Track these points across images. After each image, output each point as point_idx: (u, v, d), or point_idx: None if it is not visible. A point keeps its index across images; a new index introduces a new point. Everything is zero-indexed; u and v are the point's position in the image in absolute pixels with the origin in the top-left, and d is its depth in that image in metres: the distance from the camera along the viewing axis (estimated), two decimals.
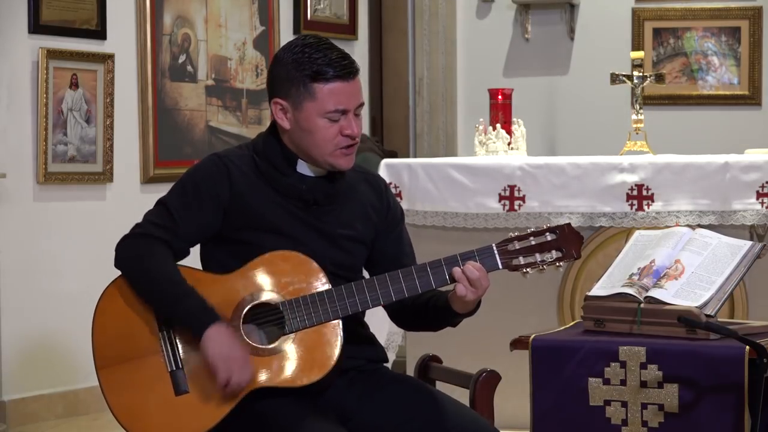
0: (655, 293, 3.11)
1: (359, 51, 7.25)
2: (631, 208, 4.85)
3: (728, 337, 2.97)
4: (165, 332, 2.88)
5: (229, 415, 2.82)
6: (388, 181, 4.65)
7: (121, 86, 5.96)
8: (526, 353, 3.15)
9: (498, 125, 5.38)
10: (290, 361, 2.84)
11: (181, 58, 6.29)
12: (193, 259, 2.99)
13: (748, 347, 2.95)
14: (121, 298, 2.91)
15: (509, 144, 5.35)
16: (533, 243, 2.90)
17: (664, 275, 3.14)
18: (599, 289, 3.21)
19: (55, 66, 5.67)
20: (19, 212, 5.61)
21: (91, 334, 2.92)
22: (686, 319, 3.01)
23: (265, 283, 2.88)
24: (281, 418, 2.81)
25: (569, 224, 2.93)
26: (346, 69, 2.92)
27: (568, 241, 2.90)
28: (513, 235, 2.91)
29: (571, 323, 3.50)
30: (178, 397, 2.84)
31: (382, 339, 4.68)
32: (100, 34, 5.89)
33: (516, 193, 4.94)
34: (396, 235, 3.10)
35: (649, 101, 6.64)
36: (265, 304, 2.88)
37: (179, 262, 2.94)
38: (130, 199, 5.92)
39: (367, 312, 2.98)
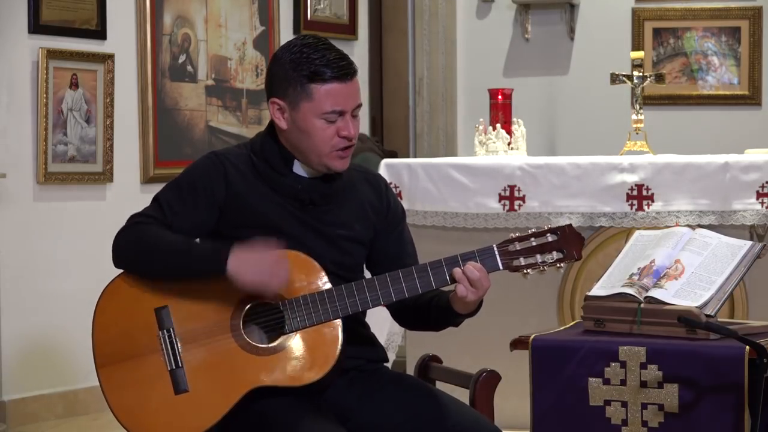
0: (655, 293, 3.11)
1: (359, 51, 7.25)
2: (631, 208, 4.85)
3: (728, 337, 2.97)
4: (165, 331, 2.88)
5: (229, 414, 2.82)
6: (388, 181, 4.65)
7: (121, 86, 5.96)
8: (526, 353, 3.15)
9: (498, 125, 5.38)
10: (290, 360, 2.84)
11: (181, 58, 6.29)
12: None
13: (748, 347, 2.95)
14: (121, 297, 2.91)
15: (509, 144, 5.35)
16: (534, 244, 2.90)
17: (664, 275, 3.14)
18: (599, 289, 3.21)
19: (55, 66, 5.67)
20: (19, 212, 5.61)
21: (91, 333, 2.92)
22: (686, 319, 3.01)
23: None
24: (281, 418, 2.81)
25: (570, 225, 2.93)
26: (344, 70, 2.92)
27: (569, 242, 2.90)
28: (514, 235, 2.91)
29: (571, 323, 3.50)
30: (177, 396, 2.84)
31: (382, 339, 4.68)
32: (100, 34, 5.89)
33: (516, 193, 4.94)
34: (397, 235, 3.10)
35: (649, 101, 6.64)
36: (266, 304, 2.88)
37: None
38: (130, 199, 5.92)
39: (368, 312, 2.98)
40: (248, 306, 2.88)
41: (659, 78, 5.48)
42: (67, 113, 5.74)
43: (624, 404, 3.06)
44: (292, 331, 2.85)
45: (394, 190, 4.50)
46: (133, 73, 6.07)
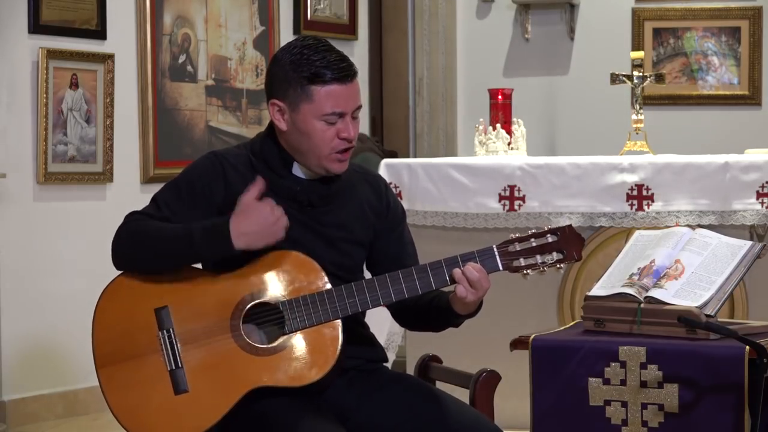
0: (655, 293, 3.11)
1: (359, 51, 7.25)
2: (631, 208, 4.85)
3: (728, 337, 2.98)
4: (165, 331, 2.88)
5: (229, 415, 2.82)
6: (388, 181, 4.65)
7: (121, 86, 5.96)
8: (526, 353, 3.15)
9: (498, 125, 5.38)
10: (290, 360, 2.84)
11: (181, 58, 6.29)
12: None
13: (748, 347, 2.95)
14: (121, 297, 2.91)
15: (509, 144, 5.35)
16: (534, 244, 2.90)
17: (664, 275, 3.14)
18: (599, 289, 3.21)
19: (55, 66, 5.67)
20: (19, 212, 5.61)
21: (91, 333, 2.92)
22: (686, 319, 3.01)
23: (265, 283, 2.89)
24: (281, 418, 2.81)
25: (570, 226, 2.93)
26: (344, 71, 2.92)
27: (569, 243, 2.90)
28: (514, 236, 2.91)
29: (571, 323, 3.50)
30: (177, 396, 2.84)
31: (382, 339, 4.68)
32: (100, 34, 5.89)
33: (516, 193, 4.94)
34: (397, 235, 3.10)
35: (649, 101, 6.64)
36: (265, 304, 2.88)
37: None
38: (130, 199, 5.91)
39: (368, 312, 2.98)
40: (248, 306, 2.87)
41: (659, 78, 5.48)
42: (67, 113, 5.74)
43: (624, 404, 3.06)
44: (292, 332, 2.85)
45: (394, 190, 4.51)
46: (133, 73, 6.07)
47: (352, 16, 7.29)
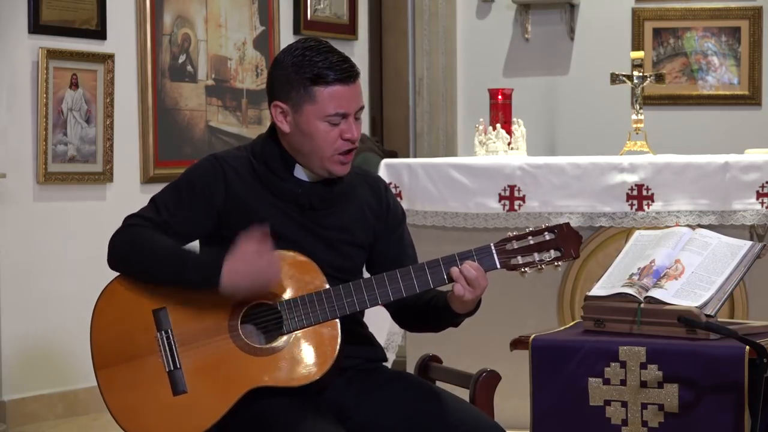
0: (655, 293, 3.11)
1: (359, 51, 7.25)
2: (631, 208, 4.85)
3: (728, 337, 2.97)
4: (163, 332, 2.88)
5: (228, 415, 2.82)
6: (388, 181, 4.65)
7: (121, 86, 5.96)
8: (526, 353, 3.15)
9: (498, 125, 5.38)
10: (289, 360, 2.84)
11: (181, 58, 6.29)
12: None
13: (748, 347, 2.95)
14: (119, 298, 2.91)
15: (509, 144, 5.35)
16: (531, 242, 2.90)
17: (664, 275, 3.14)
18: (599, 289, 3.21)
19: (55, 66, 5.67)
20: (19, 212, 5.61)
21: (90, 334, 2.92)
22: (686, 319, 3.01)
23: None
24: (280, 418, 2.81)
25: (568, 224, 2.93)
26: (347, 72, 2.92)
27: (567, 241, 2.90)
28: (511, 234, 2.91)
29: (571, 323, 3.50)
30: (176, 397, 2.84)
31: (382, 339, 4.68)
32: (100, 34, 5.89)
33: (516, 193, 4.94)
34: (397, 237, 3.10)
35: (649, 101, 6.64)
36: (263, 304, 2.88)
37: None
38: (130, 199, 5.91)
39: (367, 312, 2.98)
40: (246, 307, 2.87)
41: (659, 78, 5.48)
42: (67, 113, 5.74)
43: (624, 404, 3.06)
44: (290, 332, 2.85)
45: (393, 190, 4.52)
46: (133, 73, 6.07)
47: (352, 16, 7.29)
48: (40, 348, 5.67)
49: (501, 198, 4.95)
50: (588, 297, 3.23)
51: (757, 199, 4.79)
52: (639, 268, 3.19)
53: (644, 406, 3.04)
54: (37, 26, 5.64)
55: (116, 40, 5.96)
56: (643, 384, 3.03)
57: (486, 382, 3.08)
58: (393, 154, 6.65)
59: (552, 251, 2.90)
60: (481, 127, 5.39)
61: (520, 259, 2.89)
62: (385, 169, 5.10)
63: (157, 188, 3.03)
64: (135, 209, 3.00)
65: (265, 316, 2.88)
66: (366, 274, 3.06)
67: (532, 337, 3.16)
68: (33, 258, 5.65)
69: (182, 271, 2.83)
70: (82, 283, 5.60)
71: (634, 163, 4.88)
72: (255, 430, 2.84)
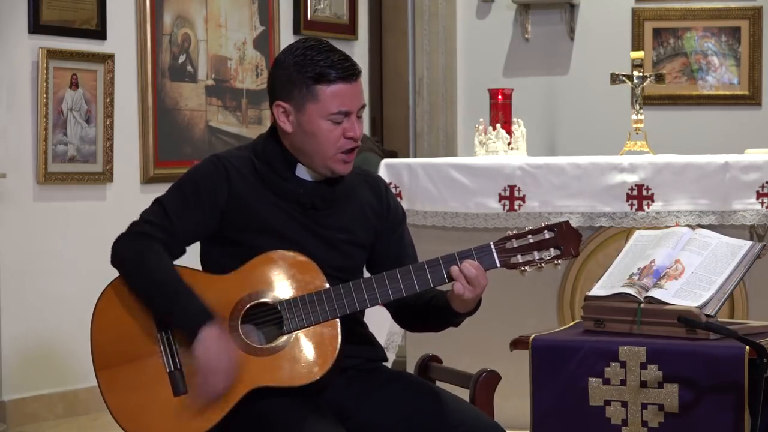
0: (655, 293, 3.11)
1: (359, 51, 7.25)
2: (631, 208, 4.85)
3: (728, 337, 2.97)
4: (164, 333, 2.88)
5: (228, 416, 2.82)
6: (388, 181, 4.65)
7: (121, 86, 5.96)
8: (526, 353, 3.15)
9: (498, 125, 5.38)
10: (289, 360, 2.84)
11: (181, 58, 6.29)
12: (192, 259, 2.99)
13: (748, 347, 2.95)
14: (120, 298, 2.91)
15: (509, 144, 5.35)
16: (531, 241, 2.89)
17: (664, 275, 3.14)
18: (599, 289, 3.21)
19: (55, 66, 5.67)
20: (19, 212, 5.61)
21: (90, 334, 2.92)
22: (686, 319, 3.01)
23: (263, 283, 2.88)
24: (280, 418, 2.81)
25: (567, 222, 2.92)
26: (349, 71, 2.92)
27: (567, 239, 2.90)
28: (511, 233, 2.91)
29: (571, 323, 3.50)
30: (176, 398, 2.84)
31: (382, 339, 4.68)
32: (100, 34, 5.89)
33: (516, 193, 4.94)
34: (398, 237, 3.10)
35: (649, 101, 6.64)
36: (264, 304, 2.88)
37: (177, 261, 2.94)
38: (130, 199, 5.92)
39: (367, 312, 2.98)
40: (246, 307, 2.87)
41: (659, 78, 5.47)
42: (67, 113, 5.74)
43: (624, 404, 3.06)
44: (291, 332, 2.85)
45: (394, 190, 4.52)
46: (133, 73, 6.07)
47: (352, 16, 7.29)
48: (40, 348, 5.67)
49: (501, 198, 4.95)
50: (588, 297, 3.23)
51: (757, 199, 4.79)
52: (639, 268, 3.19)
53: (644, 406, 3.04)
54: (37, 26, 5.64)
55: (116, 40, 5.96)
56: (643, 384, 3.03)
57: (486, 382, 3.08)
58: (393, 154, 6.65)
59: (552, 249, 2.90)
60: (481, 127, 5.39)
61: (519, 258, 2.89)
62: (385, 169, 5.11)
63: (157, 188, 3.03)
64: (135, 209, 3.00)
65: (265, 316, 2.88)
66: (366, 274, 3.06)
67: (532, 337, 3.16)
68: (33, 258, 5.65)
69: (169, 305, 2.84)
70: (82, 283, 5.60)
71: (634, 163, 4.88)
72: (256, 430, 2.84)
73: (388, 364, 3.42)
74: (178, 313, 2.83)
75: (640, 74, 5.39)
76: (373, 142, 6.87)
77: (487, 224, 4.97)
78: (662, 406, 3.02)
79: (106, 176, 5.91)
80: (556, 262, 2.90)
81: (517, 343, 3.21)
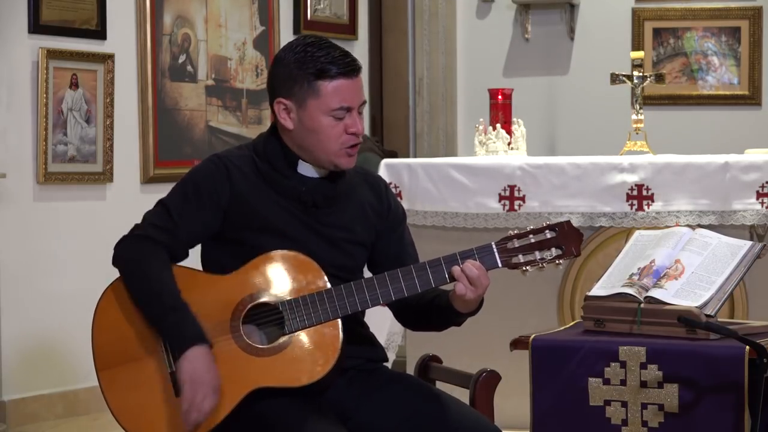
0: (655, 293, 3.11)
1: (359, 51, 7.25)
2: (631, 208, 4.85)
3: (728, 337, 2.97)
4: None
5: (230, 416, 2.82)
6: (388, 181, 4.65)
7: (121, 86, 5.96)
8: (526, 353, 3.15)
9: (498, 125, 5.38)
10: (290, 361, 2.84)
11: (181, 58, 6.29)
12: (193, 259, 2.99)
13: (748, 347, 2.95)
14: (121, 298, 2.90)
15: (509, 144, 5.35)
16: (533, 241, 2.89)
17: (664, 275, 3.14)
18: (599, 289, 3.21)
19: (55, 66, 5.67)
20: (19, 212, 5.61)
21: (91, 334, 2.92)
22: (686, 319, 3.01)
23: (264, 283, 2.88)
24: (281, 418, 2.81)
25: (569, 222, 2.92)
26: (350, 66, 2.93)
27: (568, 239, 2.90)
28: (512, 233, 2.90)
29: (571, 323, 3.50)
30: (178, 398, 2.83)
31: (382, 339, 4.68)
32: (100, 34, 5.89)
33: (516, 193, 4.94)
34: (398, 236, 3.10)
35: (649, 101, 6.64)
36: (265, 305, 2.88)
37: (180, 263, 2.94)
38: (130, 199, 5.92)
39: (368, 312, 2.98)
40: (248, 307, 2.87)
41: (659, 78, 5.47)
42: (67, 113, 5.74)
43: (624, 404, 3.06)
44: (292, 332, 2.85)
45: (394, 190, 4.51)
46: (133, 73, 6.07)
47: (352, 16, 7.29)
48: (40, 348, 5.67)
49: (501, 198, 4.95)
50: (588, 297, 3.23)
51: (757, 199, 4.79)
52: (639, 268, 3.19)
53: (644, 406, 3.04)
54: (37, 26, 5.63)
55: (116, 40, 5.96)
56: (643, 384, 3.03)
57: (486, 382, 3.07)
58: (393, 154, 6.65)
59: (553, 249, 2.90)
60: (481, 127, 5.39)
61: (521, 258, 2.89)
62: (385, 169, 5.11)
63: (157, 188, 3.03)
64: (135, 209, 3.00)
65: (266, 316, 2.88)
66: (367, 273, 3.06)
67: (532, 337, 3.16)
68: (33, 258, 5.65)
69: (164, 318, 2.83)
70: (82, 283, 5.60)
71: (634, 163, 4.88)
72: (257, 430, 2.84)
73: (388, 364, 3.42)
74: (168, 328, 2.83)
75: (640, 74, 5.39)
76: (373, 142, 6.87)
77: (487, 224, 4.97)
78: (662, 406, 3.02)
79: (106, 176, 5.91)
80: (557, 262, 2.90)
81: (517, 343, 3.21)
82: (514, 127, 5.38)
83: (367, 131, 7.24)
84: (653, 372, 3.02)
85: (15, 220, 5.59)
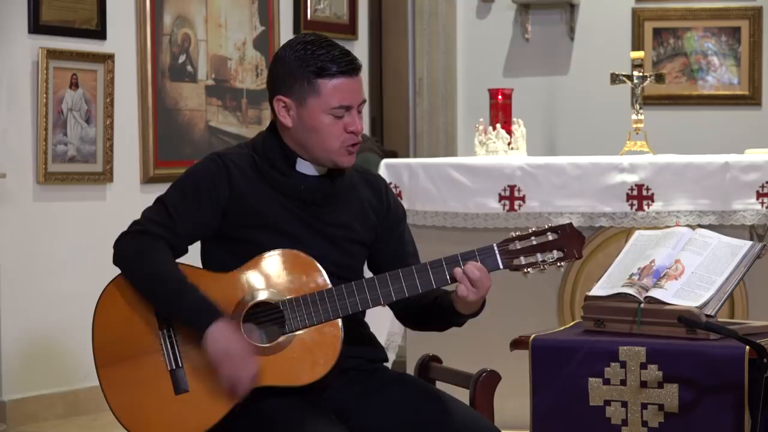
0: (655, 293, 3.11)
1: (359, 51, 7.25)
2: (631, 208, 4.85)
3: (728, 337, 2.97)
4: (165, 331, 2.88)
5: (230, 414, 2.82)
6: (388, 181, 4.65)
7: (121, 86, 5.96)
8: (526, 353, 3.15)
9: (498, 125, 5.38)
10: (290, 360, 2.84)
11: (181, 58, 6.29)
12: (193, 257, 2.99)
13: (748, 347, 2.95)
14: (121, 297, 2.91)
15: (509, 144, 5.34)
16: (534, 243, 2.89)
17: (664, 275, 3.14)
18: (599, 289, 3.21)
19: (55, 66, 5.67)
20: (19, 212, 5.61)
21: (92, 333, 2.92)
22: (686, 319, 3.01)
23: (265, 282, 2.88)
24: (281, 418, 2.81)
25: (571, 224, 2.92)
26: (350, 65, 2.93)
27: (570, 241, 2.90)
28: (514, 234, 2.90)
29: (571, 323, 3.50)
30: (178, 396, 2.84)
31: (382, 339, 4.68)
32: (100, 34, 5.89)
33: (516, 193, 4.94)
34: (398, 235, 3.10)
35: (649, 101, 6.64)
36: (265, 303, 2.88)
37: (179, 260, 2.94)
38: (130, 199, 5.92)
39: (368, 312, 2.98)
40: (248, 306, 2.87)
41: (659, 78, 5.47)
42: (67, 113, 5.74)
43: (624, 404, 3.06)
44: (292, 331, 2.85)
45: (394, 190, 4.51)
46: (133, 73, 6.07)
47: (352, 16, 7.29)
48: (40, 348, 5.67)
49: (501, 198, 4.95)
50: (588, 297, 3.23)
51: (757, 199, 4.79)
52: (639, 268, 3.19)
53: (644, 406, 3.04)
54: (37, 26, 5.63)
55: (116, 40, 5.96)
56: (643, 384, 3.03)
57: (486, 382, 3.07)
58: (393, 154, 6.66)
59: (555, 251, 2.89)
60: (481, 127, 5.39)
61: (523, 260, 2.89)
62: (385, 169, 5.11)
63: (157, 188, 3.03)
64: (135, 209, 3.00)
65: (267, 315, 2.88)
66: (367, 273, 3.06)
67: (532, 337, 3.16)
68: (33, 258, 5.65)
69: (176, 303, 2.83)
70: (82, 283, 5.60)
71: (634, 163, 4.88)
72: (257, 429, 2.84)
73: (388, 364, 3.42)
74: (185, 312, 2.83)
75: (640, 74, 5.39)
76: (373, 142, 6.88)
77: (487, 224, 4.97)
78: (662, 406, 3.02)
79: (106, 176, 5.91)
80: (559, 264, 2.89)
81: (517, 343, 3.21)
82: (514, 127, 5.38)
83: (367, 131, 7.24)
84: (653, 372, 3.02)
85: (15, 220, 5.59)
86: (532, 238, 2.89)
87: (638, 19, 7.19)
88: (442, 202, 5.02)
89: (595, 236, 4.93)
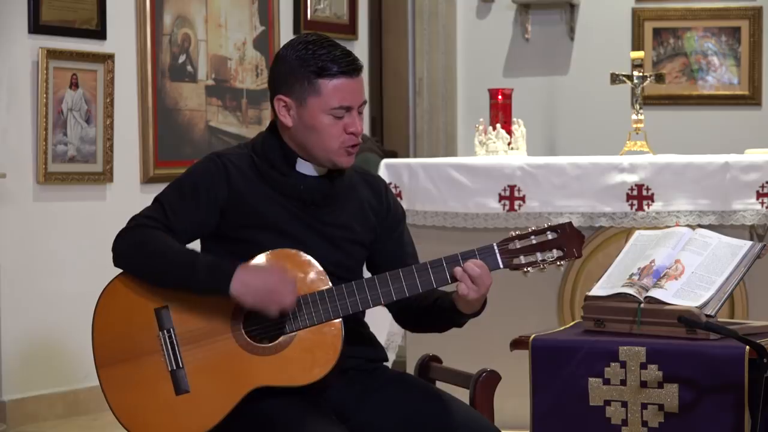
0: (655, 293, 3.11)
1: (359, 51, 7.25)
2: (631, 208, 4.85)
3: (728, 337, 2.97)
4: (165, 332, 2.88)
5: (230, 415, 2.82)
6: (388, 181, 4.65)
7: (121, 86, 5.96)
8: (526, 353, 3.15)
9: (498, 125, 5.38)
10: (291, 360, 2.84)
11: (181, 58, 6.29)
12: None
13: (748, 347, 2.95)
14: (121, 297, 2.91)
15: (509, 144, 5.35)
16: (534, 242, 2.89)
17: (664, 275, 3.14)
18: (599, 289, 3.21)
19: (55, 66, 5.67)
20: (19, 212, 5.61)
21: (91, 333, 2.92)
22: (686, 319, 3.01)
23: None
24: (281, 418, 2.81)
25: (570, 223, 2.92)
26: (351, 65, 2.93)
27: (570, 240, 2.90)
28: (514, 234, 2.90)
29: (571, 323, 3.50)
30: (178, 397, 2.84)
31: (382, 339, 4.68)
32: (100, 34, 5.89)
33: (516, 193, 4.94)
34: (397, 236, 3.10)
35: (649, 101, 6.64)
36: None
37: None
38: (130, 199, 5.92)
39: (368, 312, 2.98)
40: None
41: (659, 78, 5.47)
42: (67, 113, 5.74)
43: (624, 404, 3.06)
44: (293, 331, 2.85)
45: (394, 190, 4.52)
46: (133, 73, 6.07)
47: (352, 16, 7.29)
48: (40, 348, 5.67)
49: (501, 198, 4.95)
50: (588, 297, 3.23)
51: (757, 199, 4.79)
52: (639, 268, 3.19)
53: (644, 406, 3.04)
54: (37, 26, 5.63)
55: (116, 40, 5.96)
56: (643, 384, 3.03)
57: (486, 382, 3.07)
58: (393, 154, 6.66)
59: (555, 251, 2.89)
60: (481, 127, 5.39)
61: (522, 259, 2.89)
62: (385, 169, 5.11)
63: (158, 188, 3.02)
64: (135, 209, 3.00)
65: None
66: (367, 273, 3.06)
67: (532, 337, 3.16)
68: (33, 258, 5.65)
69: (192, 273, 2.82)
70: (82, 283, 5.60)
71: (634, 163, 4.88)
72: (257, 429, 2.84)
73: (388, 364, 3.42)
74: (202, 282, 2.81)
75: (640, 74, 5.39)
76: (373, 142, 6.88)
77: (487, 224, 4.97)
78: (662, 406, 3.02)
79: (106, 176, 5.91)
80: (558, 263, 2.90)
81: (517, 343, 3.21)
82: (514, 127, 5.38)
83: (367, 131, 7.24)
84: (653, 372, 3.02)
85: (15, 220, 5.59)
86: (532, 237, 2.89)
87: (638, 19, 7.19)
88: (442, 202, 5.02)
89: (595, 236, 4.93)
